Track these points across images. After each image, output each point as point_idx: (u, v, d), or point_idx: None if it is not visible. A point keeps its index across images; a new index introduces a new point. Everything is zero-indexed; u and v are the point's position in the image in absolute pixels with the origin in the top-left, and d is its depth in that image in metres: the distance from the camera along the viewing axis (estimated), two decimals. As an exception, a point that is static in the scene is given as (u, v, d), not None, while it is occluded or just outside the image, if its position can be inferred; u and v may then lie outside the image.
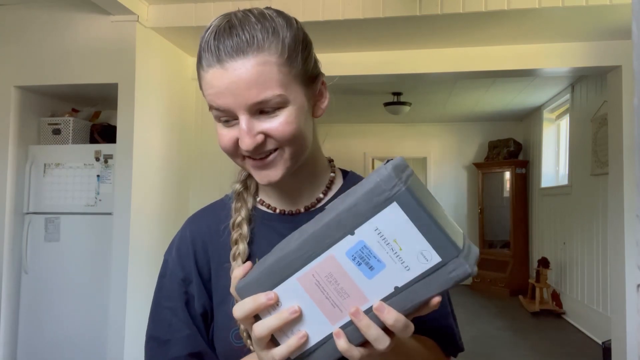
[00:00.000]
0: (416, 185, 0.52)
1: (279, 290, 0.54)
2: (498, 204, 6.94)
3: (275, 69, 0.63)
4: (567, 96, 5.37)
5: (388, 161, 0.53)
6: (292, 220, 0.76)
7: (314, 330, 0.54)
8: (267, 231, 0.76)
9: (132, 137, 3.01)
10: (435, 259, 0.50)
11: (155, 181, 3.28)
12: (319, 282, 0.53)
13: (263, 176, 0.69)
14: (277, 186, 0.76)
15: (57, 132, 3.34)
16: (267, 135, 0.65)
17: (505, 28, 3.08)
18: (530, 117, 6.68)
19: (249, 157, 0.68)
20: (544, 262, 5.55)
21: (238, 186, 0.79)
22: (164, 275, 0.79)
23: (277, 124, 0.65)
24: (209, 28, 0.66)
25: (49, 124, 3.35)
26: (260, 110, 0.64)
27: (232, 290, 0.57)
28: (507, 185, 6.83)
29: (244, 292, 0.55)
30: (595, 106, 4.54)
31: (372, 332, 0.51)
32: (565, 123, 5.70)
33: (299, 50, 0.67)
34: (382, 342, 0.51)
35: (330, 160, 0.82)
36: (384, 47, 3.48)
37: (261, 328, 0.54)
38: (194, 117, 3.75)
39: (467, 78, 4.37)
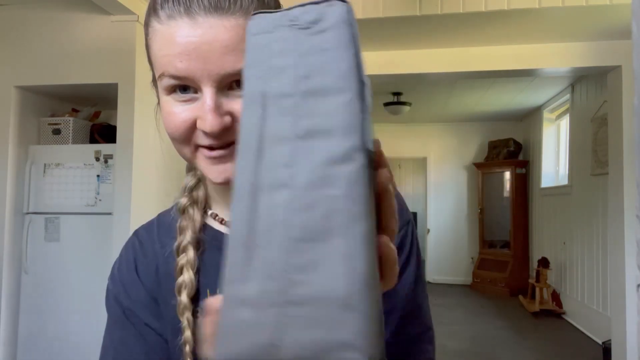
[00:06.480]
0: None
1: None
2: (498, 204, 6.94)
3: None
4: (567, 96, 5.37)
5: None
6: None
7: None
8: (218, 256, 0.58)
9: (132, 137, 3.01)
10: None
11: (155, 181, 3.28)
12: None
13: (220, 172, 0.53)
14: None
15: (57, 132, 3.34)
16: (234, 119, 0.51)
17: (505, 28, 3.07)
18: (530, 117, 6.68)
19: (206, 146, 0.53)
20: (544, 262, 5.55)
21: (184, 200, 0.63)
22: (108, 307, 0.65)
23: None
24: None
25: (49, 124, 3.35)
26: (230, 85, 0.51)
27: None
28: (507, 185, 6.83)
29: None
30: (595, 106, 4.54)
31: None
32: (565, 123, 5.70)
33: None
34: None
35: None
36: (384, 47, 3.48)
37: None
38: (194, 117, 3.75)
39: (467, 78, 4.36)
